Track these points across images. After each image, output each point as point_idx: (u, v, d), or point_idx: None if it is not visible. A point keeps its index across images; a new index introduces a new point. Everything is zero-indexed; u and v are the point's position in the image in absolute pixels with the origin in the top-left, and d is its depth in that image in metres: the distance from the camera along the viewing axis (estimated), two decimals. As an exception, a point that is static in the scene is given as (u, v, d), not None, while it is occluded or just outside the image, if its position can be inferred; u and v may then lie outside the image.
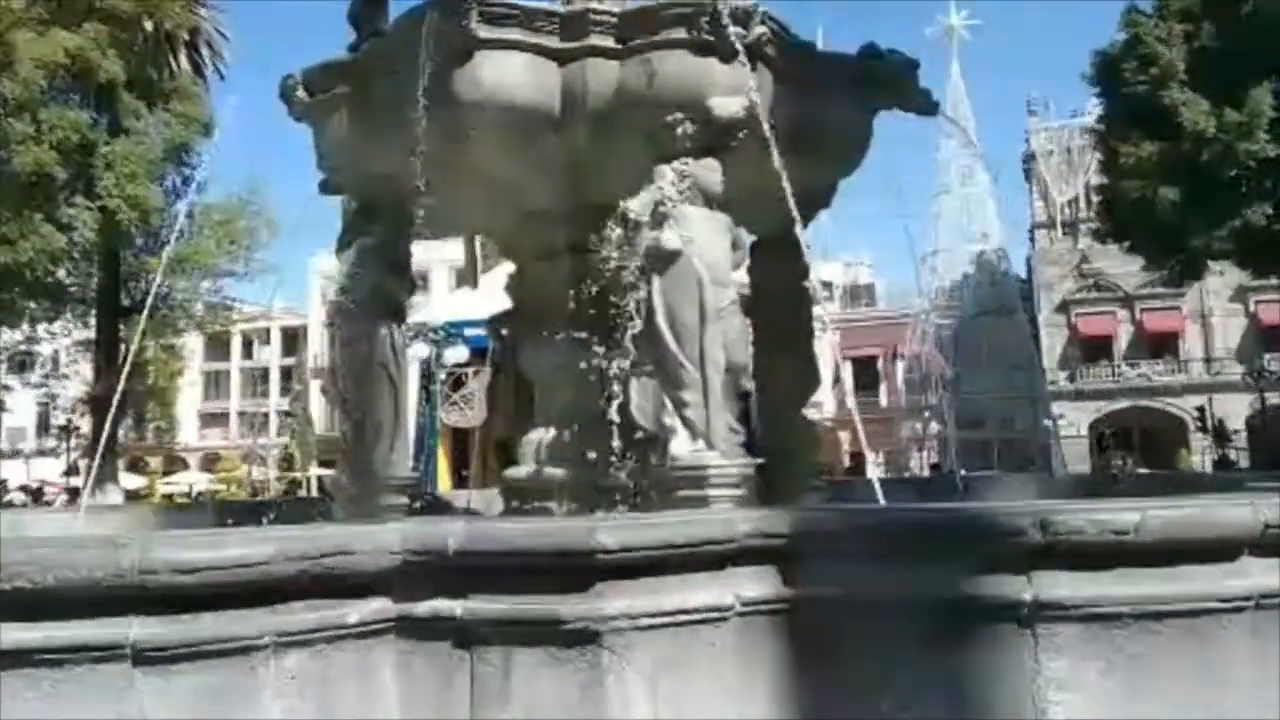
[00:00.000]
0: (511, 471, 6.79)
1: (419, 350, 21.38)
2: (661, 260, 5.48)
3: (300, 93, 6.33)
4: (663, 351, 5.49)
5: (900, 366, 46.90)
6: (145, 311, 30.83)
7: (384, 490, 6.30)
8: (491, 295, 9.09)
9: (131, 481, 42.73)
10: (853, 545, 2.96)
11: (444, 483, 20.33)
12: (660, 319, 5.47)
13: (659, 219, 5.55)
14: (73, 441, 44.34)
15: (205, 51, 35.11)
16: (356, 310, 6.27)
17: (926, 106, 6.47)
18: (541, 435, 6.69)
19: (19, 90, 27.23)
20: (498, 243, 7.80)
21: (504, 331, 7.80)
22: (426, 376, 21.12)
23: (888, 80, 6.37)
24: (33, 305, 32.77)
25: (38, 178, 28.92)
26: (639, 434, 6.40)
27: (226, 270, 34.60)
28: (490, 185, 6.33)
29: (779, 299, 7.03)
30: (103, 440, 26.94)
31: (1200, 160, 22.60)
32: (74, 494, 37.78)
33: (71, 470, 43.83)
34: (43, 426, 54.20)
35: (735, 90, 5.63)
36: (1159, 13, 24.41)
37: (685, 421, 5.44)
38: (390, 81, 5.91)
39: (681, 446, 5.41)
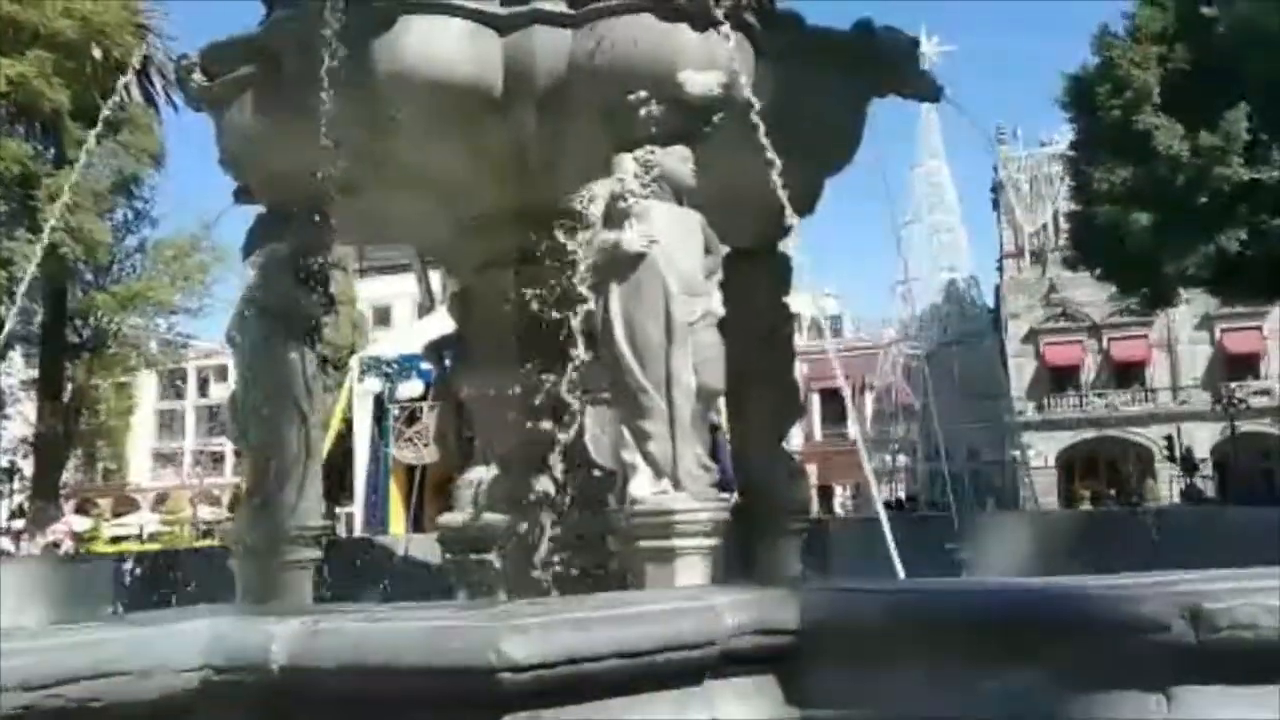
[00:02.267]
0: (447, 517, 5.83)
1: (371, 385, 20.35)
2: (620, 265, 4.59)
3: (197, 76, 5.39)
4: (621, 374, 4.58)
5: (869, 397, 46.23)
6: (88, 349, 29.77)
7: (291, 542, 5.31)
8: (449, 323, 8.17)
9: (79, 523, 41.27)
10: (900, 644, 1.99)
11: (396, 525, 19.24)
12: (619, 335, 4.56)
13: (618, 216, 4.65)
14: (15, 484, 43.02)
15: (157, 80, 34.08)
16: (261, 330, 5.30)
17: (929, 90, 5.63)
18: (481, 474, 5.74)
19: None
20: (435, 254, 6.84)
21: (445, 358, 6.87)
22: (380, 412, 20.09)
23: (887, 60, 5.52)
24: (-30, 343, 31.74)
25: (-25, 210, 27.92)
26: (595, 472, 5.50)
27: (181, 306, 33.59)
28: (421, 182, 5.41)
29: (756, 316, 6.15)
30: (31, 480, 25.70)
31: (1174, 185, 22.14)
32: (17, 537, 36.62)
33: (16, 513, 42.38)
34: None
35: (710, 64, 4.76)
36: (1132, 35, 24.04)
37: (647, 457, 4.52)
38: (301, 60, 4.96)
39: (643, 487, 4.49)
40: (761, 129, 4.46)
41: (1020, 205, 45.62)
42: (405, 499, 20.18)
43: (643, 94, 4.76)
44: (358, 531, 19.81)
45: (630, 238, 4.56)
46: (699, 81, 4.78)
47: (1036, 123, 53.08)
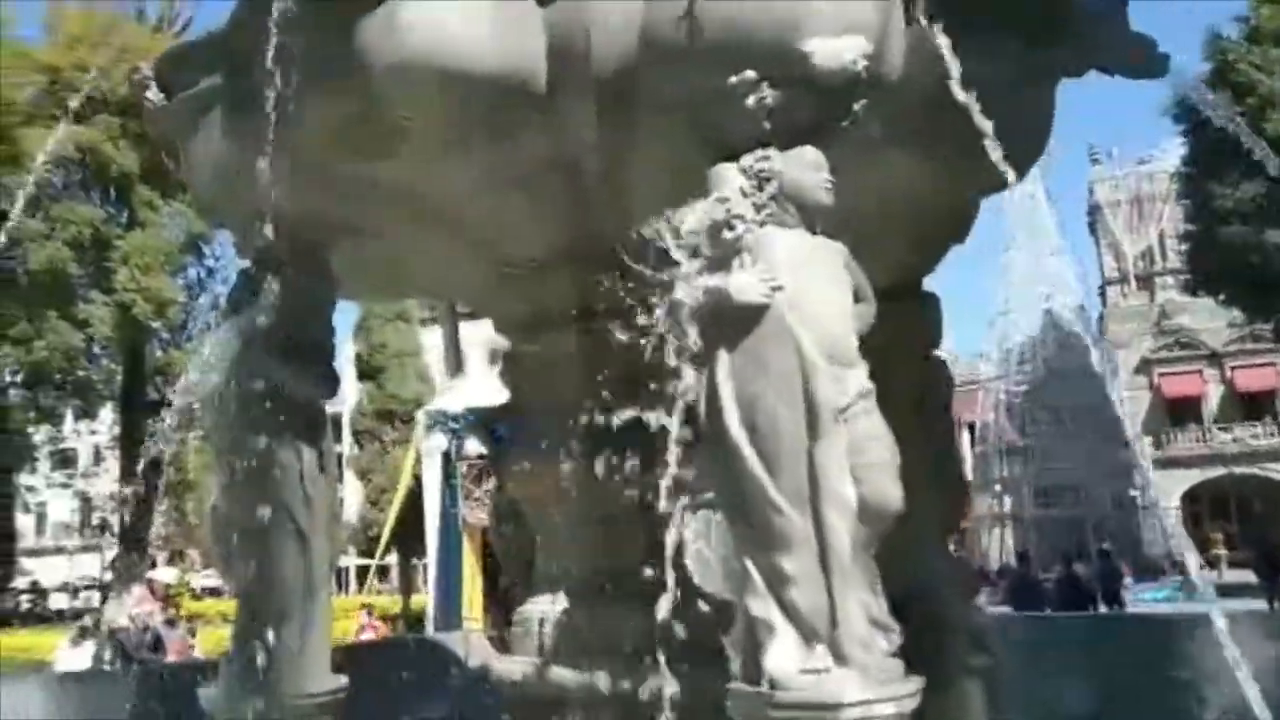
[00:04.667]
0: (504, 667, 4.32)
1: (439, 441, 19.13)
2: (730, 323, 3.09)
3: (152, 93, 4.07)
4: (740, 482, 3.06)
5: (965, 437, 43.65)
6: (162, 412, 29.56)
7: (291, 714, 3.86)
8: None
9: (167, 575, 41.37)
10: None
11: (474, 602, 17.81)
12: (733, 427, 3.05)
13: (723, 252, 3.17)
14: (107, 538, 44.09)
15: (224, 139, 33.90)
16: (241, 423, 3.90)
17: (1149, 63, 4.04)
18: (546, 609, 4.24)
19: (29, 187, 26.41)
20: (475, 308, 5.39)
21: (498, 434, 5.42)
22: (449, 470, 18.81)
23: (1085, 26, 3.95)
24: (58, 404, 32.29)
25: (52, 275, 28.23)
26: (703, 605, 3.96)
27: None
28: (440, 217, 3.99)
29: (901, 380, 4.56)
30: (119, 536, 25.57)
31: (1310, 199, 19.91)
32: (105, 590, 37.17)
33: (110, 566, 43.09)
34: (85, 523, 53.68)
35: (848, 28, 3.27)
36: (1248, 38, 21.98)
37: (789, 611, 2.98)
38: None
39: (784, 660, 2.94)
40: (970, 100, 2.92)
41: (1122, 228, 42.96)
42: (483, 564, 18.78)
43: (751, 75, 3.28)
44: (431, 600, 18.46)
45: (743, 282, 3.07)
46: (834, 52, 3.27)
47: (1133, 141, 50.46)
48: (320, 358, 4.11)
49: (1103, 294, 45.64)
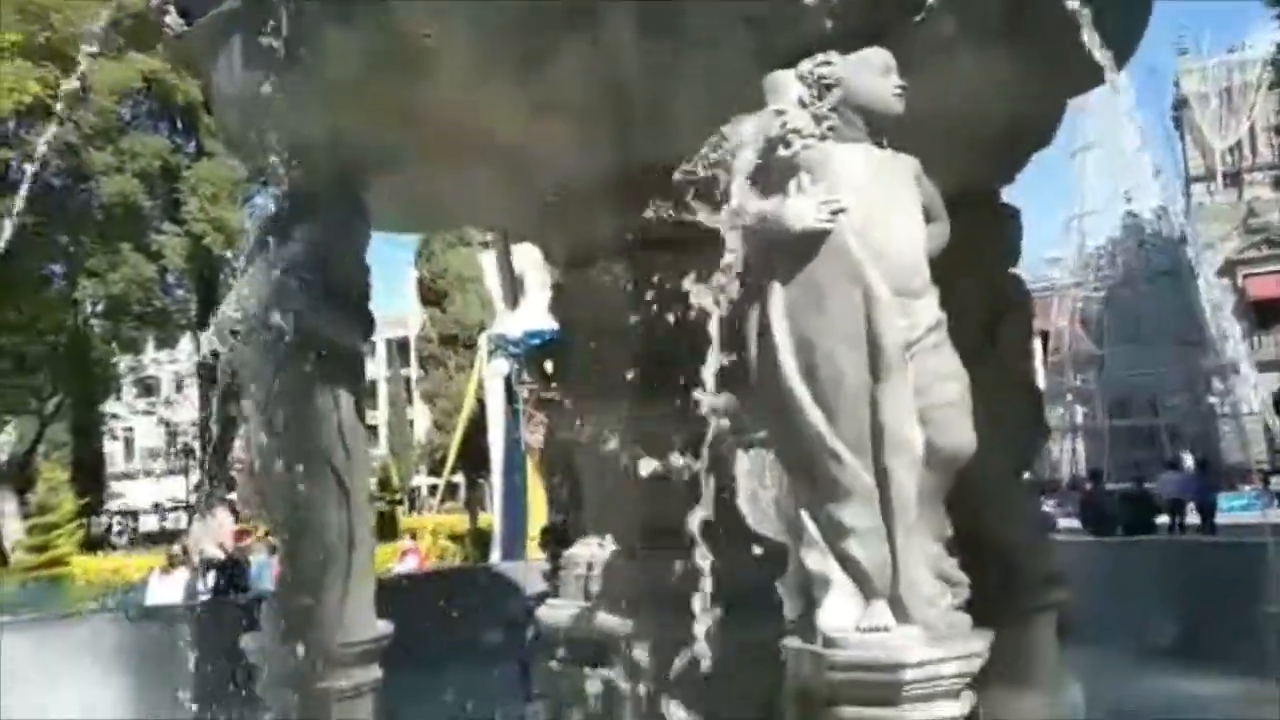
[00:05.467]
0: (550, 613, 4.17)
1: (500, 366, 19.11)
2: (785, 252, 2.81)
3: (172, 18, 3.83)
4: (795, 427, 2.80)
5: (1038, 346, 42.39)
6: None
7: (337, 664, 3.76)
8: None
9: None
10: None
11: (539, 518, 17.91)
12: (787, 366, 2.79)
13: (779, 172, 2.87)
14: (191, 462, 45.74)
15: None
16: (274, 368, 3.74)
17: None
18: (593, 552, 4.07)
19: (96, 119, 26.66)
20: (520, 239, 5.13)
21: (548, 368, 5.22)
22: (510, 394, 18.82)
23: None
24: (137, 334, 33.21)
25: (124, 207, 28.69)
26: (755, 549, 3.74)
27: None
28: (475, 144, 3.72)
29: (972, 301, 4.23)
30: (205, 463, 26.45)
31: None
32: (191, 512, 38.75)
33: (195, 490, 44.94)
34: (170, 448, 55.55)
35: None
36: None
37: (847, 565, 2.74)
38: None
39: (841, 617, 2.71)
40: None
41: (1209, 122, 40.76)
42: (548, 490, 18.85)
43: (808, -32, 2.93)
44: (497, 525, 18.63)
45: (800, 207, 2.77)
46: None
47: (1223, 28, 47.67)
48: (354, 298, 3.91)
49: (1187, 193, 43.54)
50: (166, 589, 10.98)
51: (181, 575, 11.48)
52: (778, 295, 2.83)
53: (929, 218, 2.96)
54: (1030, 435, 4.58)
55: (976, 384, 3.78)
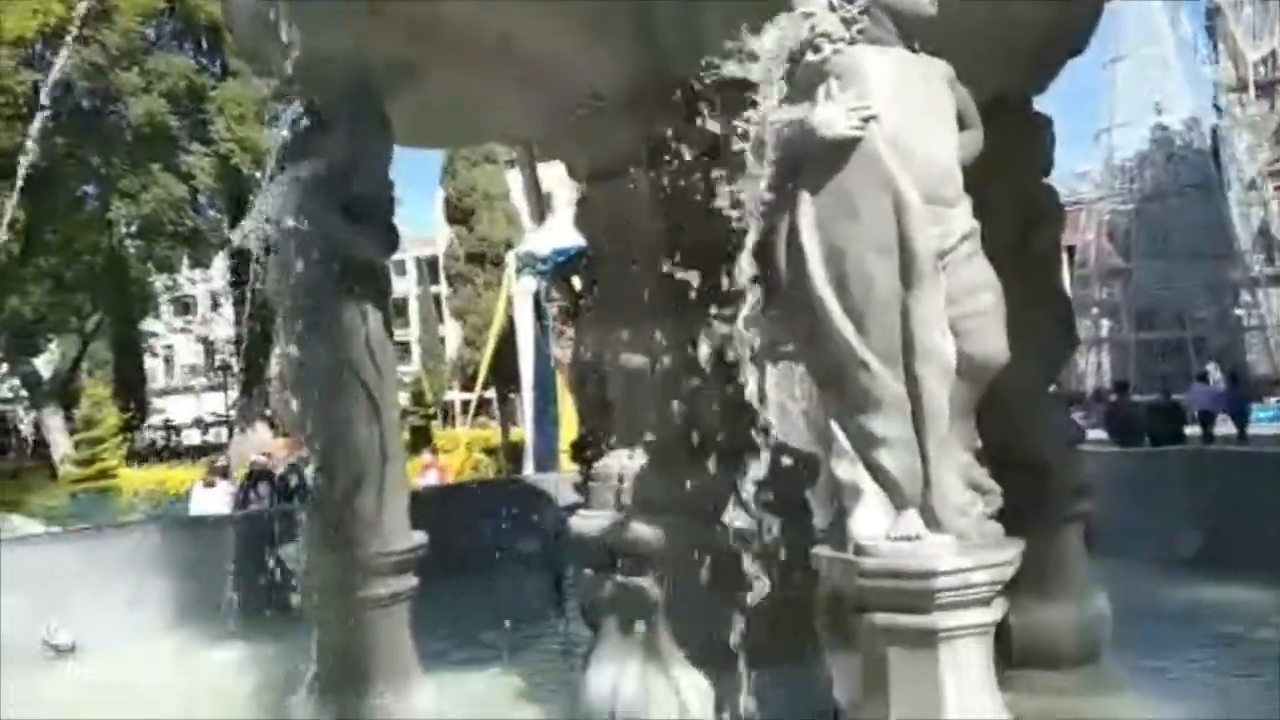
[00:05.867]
0: (582, 523, 4.24)
1: (529, 284, 19.13)
2: (815, 160, 2.76)
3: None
4: (825, 338, 2.79)
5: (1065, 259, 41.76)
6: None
7: (374, 573, 3.86)
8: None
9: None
10: None
11: (570, 432, 18.09)
12: (817, 276, 2.77)
13: (807, 79, 2.81)
14: (230, 378, 46.52)
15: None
16: (301, 283, 3.76)
17: None
18: (624, 464, 4.11)
19: (121, 40, 26.55)
20: (546, 153, 5.07)
21: (575, 284, 5.21)
22: (539, 311, 18.86)
23: None
24: (171, 253, 33.55)
25: (152, 128, 28.76)
26: (784, 459, 3.77)
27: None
28: (495, 55, 3.65)
29: (1008, 210, 4.17)
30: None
31: None
32: (231, 426, 39.62)
33: (234, 405, 45.82)
34: (209, 365, 56.40)
35: None
36: None
37: (879, 475, 2.76)
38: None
39: (871, 526, 2.74)
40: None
41: (1243, 31, 39.37)
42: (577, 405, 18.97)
43: None
44: (529, 439, 18.83)
45: (830, 114, 2.71)
46: None
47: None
48: (378, 213, 3.90)
49: (1219, 105, 42.36)
50: (210, 501, 11.18)
51: (224, 487, 11.68)
52: (807, 205, 2.80)
53: (962, 124, 2.90)
54: (1060, 345, 4.55)
55: (1007, 293, 3.76)
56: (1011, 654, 3.37)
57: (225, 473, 12.25)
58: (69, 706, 5.28)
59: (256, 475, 11.12)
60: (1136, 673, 4.52)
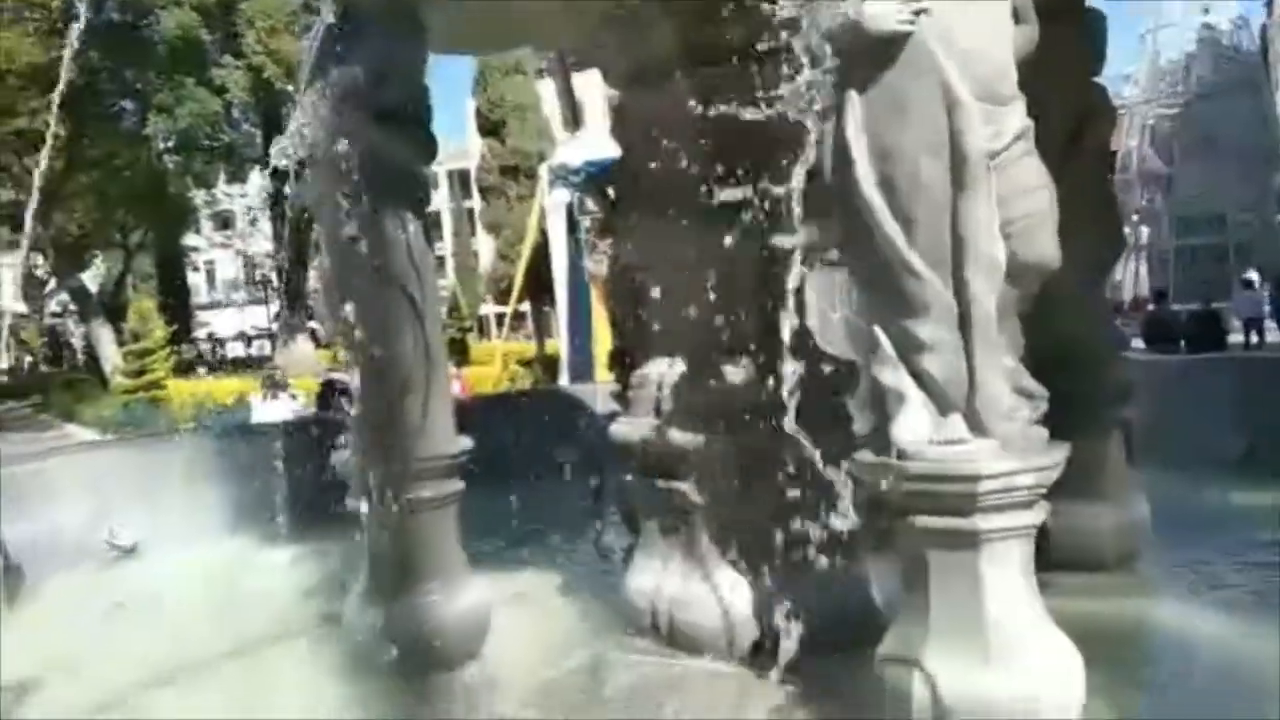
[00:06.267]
0: (622, 430, 4.29)
1: (561, 196, 19.00)
2: (863, 57, 2.70)
3: None
4: (871, 242, 2.76)
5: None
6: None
7: (420, 477, 3.94)
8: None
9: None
10: None
11: (604, 344, 18.13)
12: (864, 178, 2.73)
13: (853, -27, 2.72)
14: (270, 292, 47.00)
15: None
16: (337, 193, 3.76)
17: None
18: (663, 371, 4.13)
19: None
20: (581, 58, 4.98)
21: (610, 194, 5.17)
22: (572, 225, 18.76)
23: None
24: (208, 168, 33.81)
25: (184, 41, 28.73)
26: (824, 366, 3.77)
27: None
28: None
29: (1059, 110, 4.06)
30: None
31: None
32: (273, 339, 40.13)
33: (275, 319, 46.43)
34: (249, 279, 57.00)
35: None
36: None
37: (923, 380, 2.76)
38: None
39: (914, 429, 2.75)
40: None
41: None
42: (610, 316, 18.97)
43: None
44: (563, 351, 18.92)
45: (879, 8, 2.63)
46: None
47: None
48: (416, 120, 3.87)
49: (1269, 3, 40.58)
50: (273, 414, 11.27)
51: (286, 400, 11.80)
52: (855, 104, 2.74)
53: (1016, 20, 2.81)
54: (1108, 249, 4.47)
55: (1059, 193, 3.69)
56: (1051, 557, 3.39)
57: (283, 385, 12.36)
58: (132, 602, 5.50)
59: (335, 388, 11.21)
60: (1176, 576, 4.54)
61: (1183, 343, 15.30)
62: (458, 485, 4.09)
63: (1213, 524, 5.27)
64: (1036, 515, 2.74)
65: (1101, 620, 3.71)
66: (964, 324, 2.70)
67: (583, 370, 15.86)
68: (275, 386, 11.77)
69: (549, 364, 21.52)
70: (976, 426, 2.70)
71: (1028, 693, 2.66)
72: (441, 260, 50.21)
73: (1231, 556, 4.78)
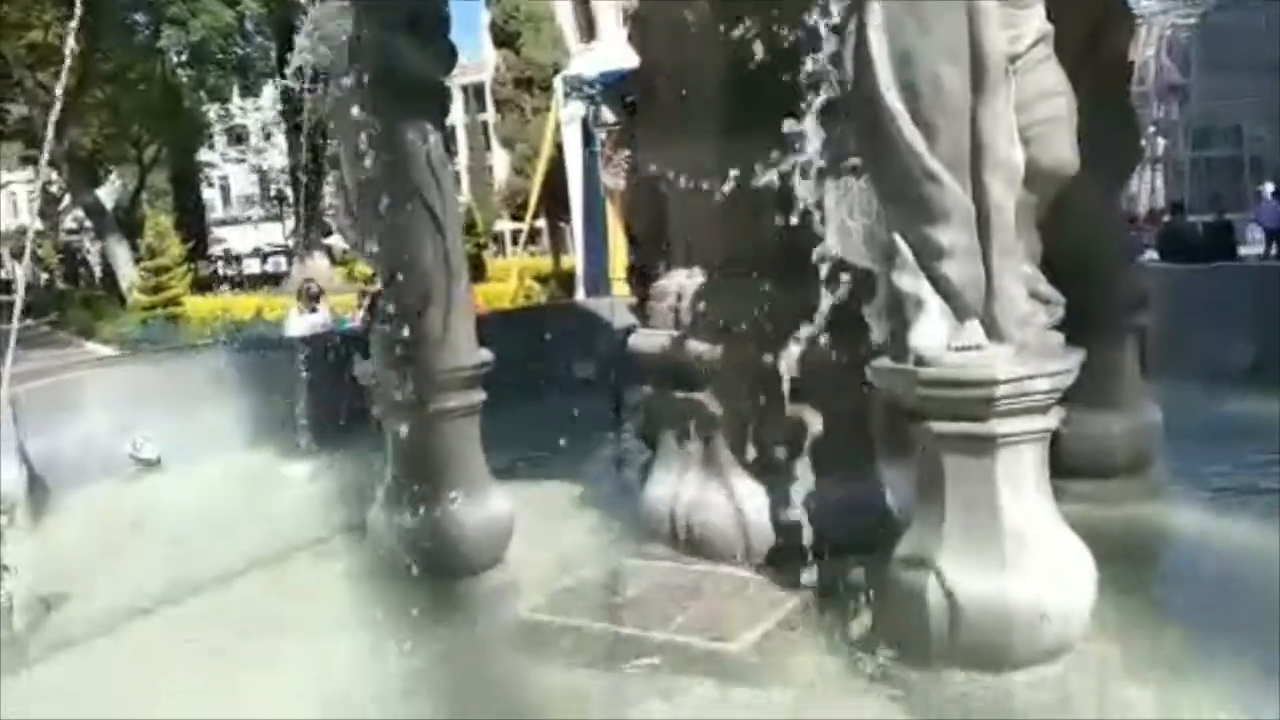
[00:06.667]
0: (641, 341, 4.32)
1: (576, 109, 18.76)
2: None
3: None
4: (891, 149, 2.76)
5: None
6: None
7: (443, 388, 4.00)
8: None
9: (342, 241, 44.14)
10: None
11: (619, 260, 18.07)
12: (884, 84, 2.71)
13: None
14: (286, 208, 46.68)
15: None
16: (358, 102, 3.75)
17: None
18: (682, 282, 4.15)
19: None
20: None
21: (631, 104, 5.13)
22: (587, 138, 18.55)
23: None
24: (222, 82, 33.42)
25: (196, -51, 28.17)
26: (843, 276, 3.77)
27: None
28: None
29: (1078, 14, 3.97)
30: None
31: None
32: (290, 256, 40.08)
33: (292, 234, 46.34)
34: (264, 195, 56.74)
35: None
36: None
37: (940, 286, 2.77)
38: None
39: (932, 335, 2.77)
40: None
41: None
42: (626, 229, 18.86)
43: None
44: (579, 266, 18.89)
45: (901, -91, 2.58)
46: None
47: None
48: (434, 28, 3.84)
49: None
50: (307, 325, 11.20)
51: (323, 311, 11.73)
52: (875, 9, 2.71)
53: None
54: (1126, 156, 4.44)
55: (1077, 99, 3.63)
56: (1064, 463, 3.44)
57: (319, 298, 12.27)
58: (153, 512, 5.63)
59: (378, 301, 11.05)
60: (1187, 482, 4.60)
61: (1197, 253, 15.22)
62: (480, 396, 4.15)
63: (1222, 431, 5.31)
64: (1051, 420, 2.78)
65: (1112, 525, 3.78)
66: (982, 230, 2.70)
67: (599, 285, 15.84)
68: (311, 299, 11.71)
69: (564, 280, 21.50)
70: (993, 332, 2.73)
71: (1039, 595, 2.73)
72: (456, 175, 49.63)
73: (1239, 463, 4.83)
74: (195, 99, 33.09)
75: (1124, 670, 2.98)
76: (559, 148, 19.31)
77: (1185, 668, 2.93)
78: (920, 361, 2.77)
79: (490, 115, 42.07)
